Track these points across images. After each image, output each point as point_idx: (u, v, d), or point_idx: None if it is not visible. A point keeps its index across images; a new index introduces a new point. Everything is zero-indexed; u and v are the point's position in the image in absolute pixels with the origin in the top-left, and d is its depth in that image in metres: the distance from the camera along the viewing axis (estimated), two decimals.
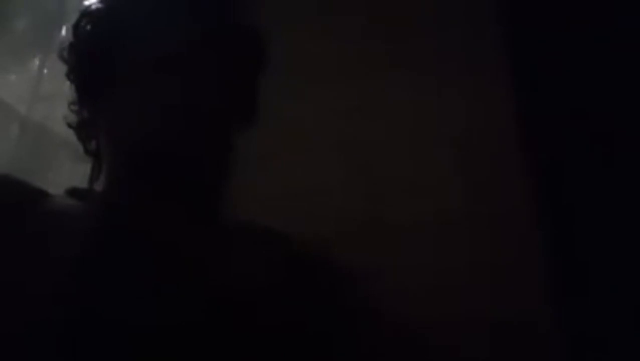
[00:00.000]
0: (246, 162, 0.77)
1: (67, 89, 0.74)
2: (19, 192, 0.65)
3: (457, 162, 0.83)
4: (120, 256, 0.61)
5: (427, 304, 0.77)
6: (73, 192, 0.69)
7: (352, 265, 0.73)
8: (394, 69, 0.89)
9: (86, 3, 0.76)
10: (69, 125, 0.74)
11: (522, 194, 0.79)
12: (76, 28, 0.73)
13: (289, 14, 0.95)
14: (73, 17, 0.75)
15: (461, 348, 0.75)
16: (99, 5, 0.73)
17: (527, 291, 0.76)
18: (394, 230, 0.81)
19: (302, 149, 0.89)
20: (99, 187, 0.70)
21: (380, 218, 0.83)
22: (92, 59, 0.71)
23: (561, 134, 0.81)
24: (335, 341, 0.66)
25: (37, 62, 1.93)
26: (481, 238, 0.79)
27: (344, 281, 0.71)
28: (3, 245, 0.60)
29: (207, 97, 0.67)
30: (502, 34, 0.85)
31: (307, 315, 0.64)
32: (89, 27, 0.72)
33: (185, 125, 0.65)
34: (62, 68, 0.74)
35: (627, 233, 0.76)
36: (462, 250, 0.79)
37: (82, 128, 0.74)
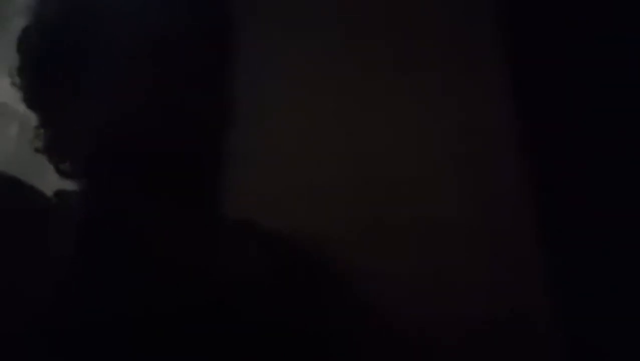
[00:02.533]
0: (246, 161, 0.77)
1: None
2: (5, 193, 0.65)
3: (457, 161, 0.83)
4: (107, 257, 0.61)
5: (426, 303, 0.77)
6: (60, 194, 0.69)
7: (351, 264, 0.74)
8: (395, 70, 0.90)
9: None
10: (37, 150, 0.72)
11: (523, 195, 0.79)
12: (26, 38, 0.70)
13: (289, 14, 0.95)
14: None
15: (460, 348, 0.75)
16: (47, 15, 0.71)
17: (526, 291, 0.76)
18: (393, 229, 0.82)
19: (302, 150, 0.89)
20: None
21: (380, 218, 0.83)
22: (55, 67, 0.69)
23: (561, 134, 0.81)
24: (332, 341, 0.66)
25: None
26: (481, 238, 0.79)
27: (342, 281, 0.71)
28: None
29: (186, 94, 0.66)
30: (502, 35, 0.85)
31: (304, 315, 0.64)
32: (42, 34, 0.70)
33: (165, 122, 0.65)
34: None
35: (627, 232, 0.76)
36: (462, 249, 0.79)
37: (52, 149, 0.72)
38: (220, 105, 0.71)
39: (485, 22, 0.86)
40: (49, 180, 0.77)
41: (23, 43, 0.71)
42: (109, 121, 0.65)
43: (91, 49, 0.67)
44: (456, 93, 0.86)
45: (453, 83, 0.86)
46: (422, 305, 0.76)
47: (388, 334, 0.74)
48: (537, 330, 0.74)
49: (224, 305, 0.61)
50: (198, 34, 0.69)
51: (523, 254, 0.77)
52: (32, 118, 0.74)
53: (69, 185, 0.71)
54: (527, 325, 0.74)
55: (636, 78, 0.79)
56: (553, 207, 0.78)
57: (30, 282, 0.59)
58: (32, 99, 0.72)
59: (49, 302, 0.58)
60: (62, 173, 0.71)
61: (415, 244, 0.80)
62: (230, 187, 0.73)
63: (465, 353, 0.74)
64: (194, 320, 0.60)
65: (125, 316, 0.58)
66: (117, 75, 0.66)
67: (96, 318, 0.58)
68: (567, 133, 0.80)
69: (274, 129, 0.88)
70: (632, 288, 0.73)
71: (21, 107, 0.80)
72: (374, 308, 0.74)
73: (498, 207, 0.80)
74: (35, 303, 0.58)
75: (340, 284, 0.72)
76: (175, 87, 0.66)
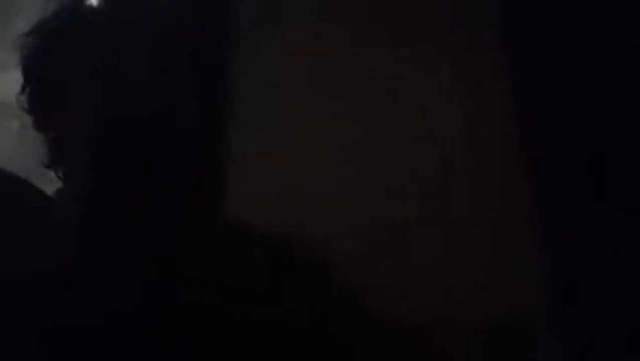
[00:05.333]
0: (246, 161, 0.77)
1: None
2: (5, 191, 0.65)
3: (457, 162, 0.83)
4: (106, 257, 0.61)
5: (426, 303, 0.77)
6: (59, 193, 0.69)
7: (350, 265, 0.73)
8: (395, 71, 0.89)
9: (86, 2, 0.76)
10: (46, 166, 0.73)
11: (523, 195, 0.79)
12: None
13: (291, 16, 0.95)
14: None
15: (460, 348, 0.75)
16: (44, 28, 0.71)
17: (526, 291, 0.76)
18: (393, 230, 0.81)
19: (303, 150, 0.89)
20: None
21: (380, 219, 0.83)
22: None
23: (561, 135, 0.81)
24: (331, 341, 0.66)
25: None
26: (481, 238, 0.79)
27: (341, 281, 0.71)
28: None
29: (184, 98, 0.67)
30: (503, 35, 0.85)
31: (303, 315, 0.64)
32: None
33: (163, 126, 0.65)
34: None
35: (628, 232, 0.76)
36: (461, 249, 0.79)
37: (53, 155, 0.72)
38: (219, 108, 0.71)
39: (485, 21, 0.86)
40: (48, 178, 0.77)
41: (25, 53, 0.72)
42: (108, 126, 0.65)
43: (88, 57, 0.68)
44: (457, 93, 0.86)
45: (453, 83, 0.86)
46: (422, 305, 0.76)
47: (387, 334, 0.74)
48: (537, 330, 0.74)
49: (221, 305, 0.61)
50: (196, 37, 0.69)
51: (523, 254, 0.77)
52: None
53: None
54: (527, 325, 0.74)
55: (636, 77, 0.79)
56: (553, 207, 0.78)
57: (30, 281, 0.59)
58: (34, 105, 0.72)
59: (48, 301, 0.58)
60: (62, 178, 0.72)
61: (416, 244, 0.80)
62: (230, 188, 0.73)
63: (465, 353, 0.74)
64: (192, 320, 0.60)
65: (124, 315, 0.58)
66: (115, 81, 0.66)
67: (95, 318, 0.57)
68: (567, 133, 0.80)
69: (274, 130, 0.88)
70: (632, 288, 0.73)
71: None
72: (373, 307, 0.74)
73: (498, 207, 0.80)
74: (35, 301, 0.58)
75: (340, 284, 0.72)
76: (174, 91, 0.66)
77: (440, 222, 0.80)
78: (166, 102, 0.67)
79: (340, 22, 0.93)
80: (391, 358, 0.72)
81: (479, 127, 0.83)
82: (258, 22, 0.90)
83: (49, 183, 0.75)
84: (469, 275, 0.77)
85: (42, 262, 0.60)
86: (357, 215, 0.83)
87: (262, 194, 0.84)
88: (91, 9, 0.71)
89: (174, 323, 0.59)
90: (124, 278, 0.60)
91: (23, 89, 0.74)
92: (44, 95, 0.72)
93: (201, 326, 0.60)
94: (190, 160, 0.68)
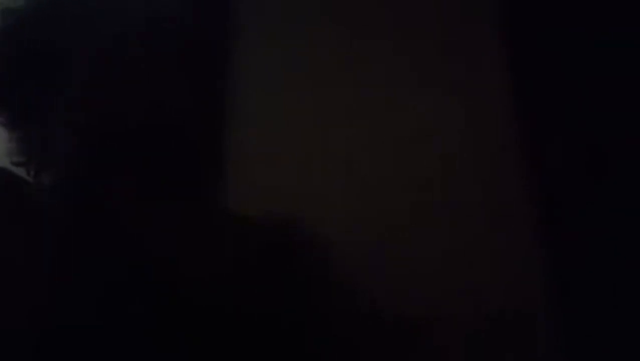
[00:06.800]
0: (246, 160, 0.77)
1: None
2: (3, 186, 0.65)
3: (458, 161, 0.83)
4: (97, 254, 0.60)
5: (426, 303, 0.77)
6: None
7: (350, 264, 0.73)
8: (396, 70, 0.90)
9: None
10: (15, 164, 0.70)
11: (523, 194, 0.79)
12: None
13: (291, 15, 0.95)
14: None
15: (460, 348, 0.75)
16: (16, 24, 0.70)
17: (526, 290, 0.76)
18: (393, 228, 0.81)
19: (303, 150, 0.89)
20: None
21: (379, 218, 0.83)
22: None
23: (561, 134, 0.81)
24: (328, 337, 0.66)
25: None
26: (481, 237, 0.79)
27: (340, 281, 0.71)
28: None
29: (178, 90, 0.66)
30: (502, 34, 0.85)
31: (301, 315, 0.64)
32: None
33: (157, 118, 0.65)
34: None
35: (627, 231, 0.76)
36: (461, 249, 0.79)
37: (29, 159, 0.70)
38: (219, 107, 0.71)
39: (486, 22, 0.87)
40: None
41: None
42: (107, 125, 0.65)
43: (77, 48, 0.67)
44: (457, 92, 0.86)
45: (454, 82, 0.86)
46: (422, 304, 0.76)
47: (387, 332, 0.74)
48: (537, 328, 0.74)
49: (219, 303, 0.61)
50: (196, 36, 0.69)
51: (523, 253, 0.77)
52: None
53: None
54: (527, 324, 0.74)
55: (636, 77, 0.80)
56: (553, 207, 0.78)
57: (26, 278, 0.58)
58: (9, 101, 0.71)
59: (46, 299, 0.58)
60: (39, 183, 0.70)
61: (416, 243, 0.80)
62: (230, 187, 0.73)
63: (465, 352, 0.74)
64: (190, 317, 0.59)
65: (121, 313, 0.58)
66: (108, 72, 0.66)
67: (93, 315, 0.57)
68: (567, 132, 0.80)
69: (274, 129, 0.88)
70: (632, 287, 0.73)
71: None
72: (373, 306, 0.74)
73: (498, 206, 0.80)
74: (33, 299, 0.57)
75: (339, 284, 0.72)
76: (173, 89, 0.66)
77: (440, 220, 0.80)
78: (166, 100, 0.67)
79: (340, 22, 0.93)
80: (391, 357, 0.72)
81: (479, 126, 0.83)
82: (258, 22, 0.90)
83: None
84: (469, 274, 0.77)
85: (40, 260, 0.60)
86: (357, 214, 0.83)
87: (261, 193, 0.84)
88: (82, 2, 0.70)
89: (172, 320, 0.59)
90: (122, 275, 0.60)
91: None
92: (15, 90, 0.70)
93: (200, 324, 0.60)
94: (190, 159, 0.68)
